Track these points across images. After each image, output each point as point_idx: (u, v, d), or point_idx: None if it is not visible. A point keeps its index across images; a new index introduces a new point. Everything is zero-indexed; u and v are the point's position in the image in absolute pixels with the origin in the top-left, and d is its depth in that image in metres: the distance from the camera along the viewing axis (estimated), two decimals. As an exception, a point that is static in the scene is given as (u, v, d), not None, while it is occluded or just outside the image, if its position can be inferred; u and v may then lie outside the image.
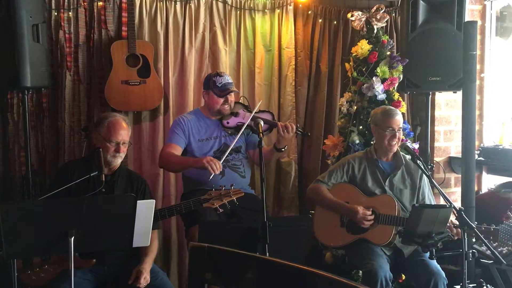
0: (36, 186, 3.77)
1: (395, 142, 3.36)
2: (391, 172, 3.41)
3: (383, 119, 3.38)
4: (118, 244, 2.57)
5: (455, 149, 4.58)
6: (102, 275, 2.90)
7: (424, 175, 3.32)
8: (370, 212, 3.25)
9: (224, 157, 3.31)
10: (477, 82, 4.01)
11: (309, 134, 3.74)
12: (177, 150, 3.48)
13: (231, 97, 3.54)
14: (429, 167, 4.20)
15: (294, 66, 4.42)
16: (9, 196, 3.91)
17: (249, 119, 3.43)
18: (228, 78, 3.56)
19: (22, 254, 2.50)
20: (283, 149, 3.55)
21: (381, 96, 3.90)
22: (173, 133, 3.52)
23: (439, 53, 3.98)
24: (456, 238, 3.05)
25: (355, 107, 4.00)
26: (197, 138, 3.53)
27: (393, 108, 3.51)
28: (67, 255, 2.33)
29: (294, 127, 3.45)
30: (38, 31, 3.46)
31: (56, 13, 3.88)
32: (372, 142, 3.80)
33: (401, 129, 3.41)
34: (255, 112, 3.50)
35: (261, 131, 3.21)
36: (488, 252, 3.22)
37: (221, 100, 3.50)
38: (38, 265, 2.77)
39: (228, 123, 3.53)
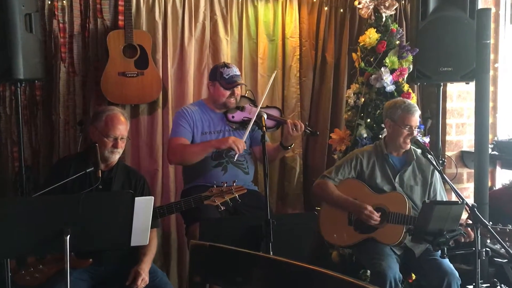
0: (29, 182, 3.77)
1: (410, 139, 3.35)
2: (401, 168, 3.40)
3: (403, 115, 3.32)
4: (115, 243, 2.57)
5: (467, 143, 4.57)
6: (99, 275, 2.91)
7: (435, 170, 3.31)
8: (378, 215, 3.24)
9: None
10: (491, 72, 4.00)
11: (318, 133, 3.72)
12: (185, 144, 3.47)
13: (238, 90, 3.53)
14: (441, 161, 4.19)
15: (298, 57, 4.42)
16: (2, 193, 3.92)
17: (256, 114, 3.41)
18: (236, 70, 3.55)
19: (15, 253, 2.51)
20: (289, 147, 3.55)
21: (390, 88, 3.90)
22: (178, 125, 3.50)
23: (450, 42, 3.97)
24: (468, 240, 3.04)
25: (363, 99, 3.99)
26: (200, 130, 3.52)
27: (412, 103, 3.44)
28: (62, 255, 2.33)
29: (303, 125, 3.44)
30: (31, 20, 3.45)
31: (49, 2, 3.88)
32: (380, 136, 3.79)
33: (417, 127, 3.40)
34: (262, 108, 3.49)
35: (264, 124, 3.21)
36: (502, 250, 3.22)
37: (228, 92, 3.49)
38: (32, 265, 2.78)
39: (233, 117, 3.52)
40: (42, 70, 3.69)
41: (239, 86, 3.55)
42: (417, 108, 3.40)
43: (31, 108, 3.94)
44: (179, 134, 3.47)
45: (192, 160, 3.45)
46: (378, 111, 3.91)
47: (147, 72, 3.94)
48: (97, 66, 3.95)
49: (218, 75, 3.50)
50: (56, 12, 3.87)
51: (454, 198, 3.42)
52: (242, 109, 3.53)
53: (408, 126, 3.32)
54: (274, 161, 3.99)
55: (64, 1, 3.88)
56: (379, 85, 3.91)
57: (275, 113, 3.53)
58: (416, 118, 3.35)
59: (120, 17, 3.91)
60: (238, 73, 3.56)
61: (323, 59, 4.50)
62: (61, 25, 3.89)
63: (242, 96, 3.60)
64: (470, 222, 2.88)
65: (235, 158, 3.32)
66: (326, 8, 4.43)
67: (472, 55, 3.76)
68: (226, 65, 3.54)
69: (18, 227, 2.32)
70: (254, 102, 3.60)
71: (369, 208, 3.25)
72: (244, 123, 3.47)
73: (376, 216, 3.24)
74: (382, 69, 3.89)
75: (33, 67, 3.53)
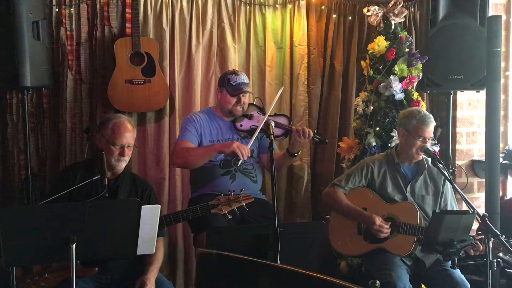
0: (36, 190, 3.79)
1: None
2: (412, 178, 3.37)
3: (418, 126, 3.28)
4: (121, 252, 2.57)
5: (478, 152, 4.54)
6: (104, 284, 2.90)
7: (446, 180, 3.29)
8: (387, 226, 3.23)
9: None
10: (502, 80, 3.99)
11: (327, 141, 3.67)
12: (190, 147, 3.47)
13: (245, 98, 3.52)
14: (451, 171, 4.17)
15: (306, 65, 4.42)
16: (8, 201, 3.94)
17: (263, 122, 3.41)
18: (244, 78, 3.55)
19: (21, 262, 2.51)
20: (296, 154, 3.53)
21: (399, 96, 3.89)
22: (186, 130, 3.50)
23: (461, 50, 3.96)
24: (478, 253, 3.01)
25: (372, 108, 3.98)
26: (208, 138, 3.52)
27: (428, 114, 3.39)
28: (68, 263, 2.33)
29: (311, 133, 3.42)
30: (38, 28, 3.49)
31: (57, 9, 3.92)
32: (389, 145, 3.78)
33: (431, 138, 3.38)
34: (271, 116, 3.48)
35: (271, 132, 3.20)
36: (514, 261, 3.20)
37: (234, 100, 3.49)
38: (38, 273, 2.78)
39: (241, 125, 3.51)
40: (49, 77, 3.72)
41: (247, 95, 3.54)
42: (432, 119, 3.35)
43: (38, 115, 3.97)
44: (185, 138, 3.47)
45: (195, 163, 3.44)
46: (387, 119, 3.90)
47: (154, 80, 3.95)
48: (104, 73, 3.98)
49: (225, 82, 3.51)
50: (63, 20, 3.90)
51: (464, 207, 3.41)
52: (250, 117, 3.53)
53: (422, 138, 3.29)
54: (281, 169, 3.97)
55: (72, 9, 3.91)
56: (388, 93, 3.91)
57: (283, 121, 3.51)
58: (430, 129, 3.31)
59: (128, 25, 3.94)
60: (246, 81, 3.56)
61: (332, 67, 4.50)
62: (68, 32, 3.92)
63: (250, 104, 3.60)
64: (481, 233, 2.86)
65: (239, 164, 3.30)
66: (334, 16, 4.43)
67: (483, 63, 3.74)
68: (234, 72, 3.55)
69: (24, 235, 2.33)
70: (262, 110, 3.59)
71: (379, 221, 3.22)
72: (252, 132, 3.46)
73: (386, 229, 3.22)
74: (391, 77, 3.89)
75: (40, 74, 3.56)
